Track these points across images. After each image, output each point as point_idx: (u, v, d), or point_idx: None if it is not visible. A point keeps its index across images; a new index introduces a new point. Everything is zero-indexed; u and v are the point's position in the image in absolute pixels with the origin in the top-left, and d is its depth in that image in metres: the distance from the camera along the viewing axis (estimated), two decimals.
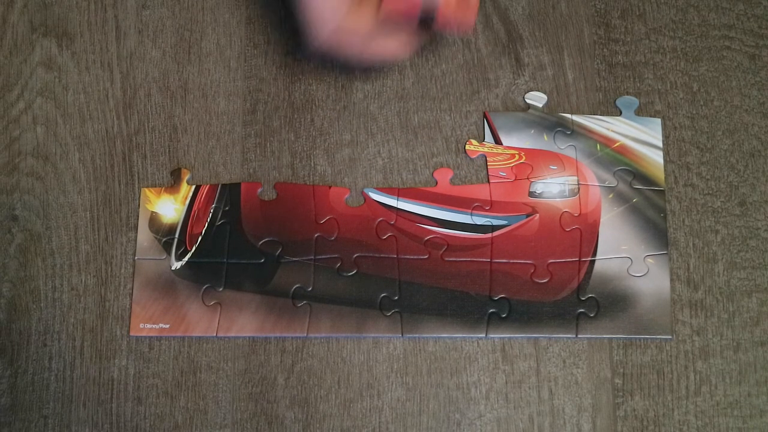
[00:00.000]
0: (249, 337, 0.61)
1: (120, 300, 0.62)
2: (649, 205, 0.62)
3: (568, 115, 0.64)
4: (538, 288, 0.61)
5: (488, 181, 0.62)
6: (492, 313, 0.60)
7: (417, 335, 0.60)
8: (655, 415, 0.59)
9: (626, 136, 0.63)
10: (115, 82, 0.66)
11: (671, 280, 0.61)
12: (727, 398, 0.59)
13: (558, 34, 0.66)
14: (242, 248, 0.62)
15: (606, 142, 0.63)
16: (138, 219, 0.63)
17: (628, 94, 0.65)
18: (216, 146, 0.65)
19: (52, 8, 0.68)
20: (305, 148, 0.65)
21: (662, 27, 0.66)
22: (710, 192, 0.63)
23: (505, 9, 0.67)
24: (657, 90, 0.65)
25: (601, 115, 0.64)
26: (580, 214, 0.62)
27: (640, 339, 0.60)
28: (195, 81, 0.66)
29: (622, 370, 0.60)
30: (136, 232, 0.63)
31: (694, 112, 0.64)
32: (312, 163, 0.64)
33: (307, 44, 0.59)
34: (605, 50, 0.66)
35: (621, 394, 0.60)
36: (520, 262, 0.61)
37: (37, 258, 0.63)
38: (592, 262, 0.61)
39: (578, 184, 0.63)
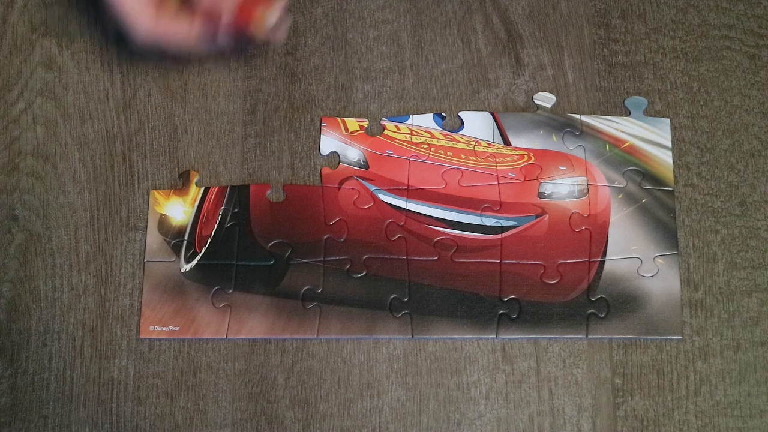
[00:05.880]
0: (250, 338, 0.61)
1: (120, 300, 0.62)
2: (659, 205, 0.62)
3: (577, 116, 0.64)
4: (548, 289, 0.60)
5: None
6: (502, 314, 0.60)
7: (427, 337, 0.60)
8: (655, 415, 0.59)
9: (635, 137, 0.63)
10: (115, 82, 0.66)
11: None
12: (727, 398, 0.59)
13: (558, 34, 0.66)
14: (252, 250, 0.62)
15: (615, 142, 0.63)
16: (140, 219, 0.63)
17: (628, 94, 0.64)
18: (216, 146, 0.65)
19: (52, 8, 0.68)
20: (305, 148, 0.65)
21: (662, 27, 0.66)
22: (710, 192, 0.63)
23: (505, 9, 0.67)
24: (657, 90, 0.65)
25: (604, 114, 0.64)
26: (589, 214, 0.62)
27: (649, 340, 0.60)
28: (195, 81, 0.66)
29: (622, 370, 0.60)
30: (136, 232, 0.63)
31: (694, 112, 0.64)
32: (312, 163, 0.64)
33: (133, 41, 0.60)
34: (605, 50, 0.66)
35: (621, 394, 0.60)
36: (530, 263, 0.61)
37: (37, 258, 0.63)
38: (602, 262, 0.61)
39: (587, 184, 0.62)
